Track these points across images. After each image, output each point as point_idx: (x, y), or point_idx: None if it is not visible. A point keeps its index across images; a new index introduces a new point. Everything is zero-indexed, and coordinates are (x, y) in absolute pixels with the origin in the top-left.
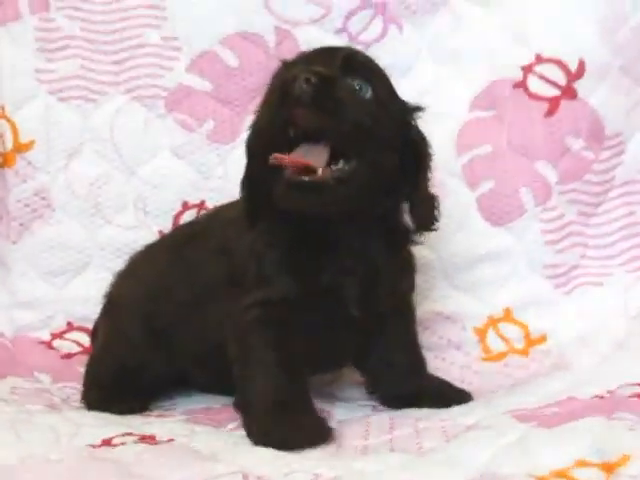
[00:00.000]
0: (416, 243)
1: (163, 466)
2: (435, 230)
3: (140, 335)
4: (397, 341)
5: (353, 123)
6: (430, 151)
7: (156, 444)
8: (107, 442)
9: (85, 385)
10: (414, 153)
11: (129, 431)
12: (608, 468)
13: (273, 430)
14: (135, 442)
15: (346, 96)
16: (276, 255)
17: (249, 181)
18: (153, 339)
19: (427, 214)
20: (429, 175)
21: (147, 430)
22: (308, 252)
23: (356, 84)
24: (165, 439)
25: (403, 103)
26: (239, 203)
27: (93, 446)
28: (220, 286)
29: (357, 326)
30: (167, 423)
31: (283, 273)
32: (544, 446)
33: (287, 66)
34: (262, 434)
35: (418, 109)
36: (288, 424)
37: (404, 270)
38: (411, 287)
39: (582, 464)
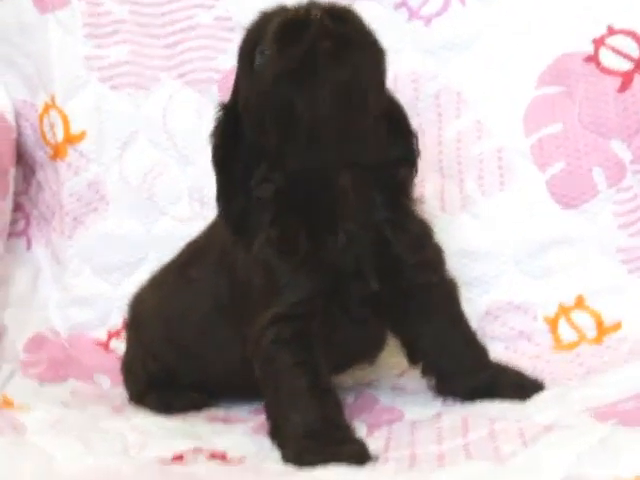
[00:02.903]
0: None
1: None
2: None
3: (163, 350)
4: (451, 329)
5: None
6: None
7: (228, 462)
8: (178, 458)
9: (130, 391)
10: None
11: (199, 446)
12: None
13: (306, 462)
14: (207, 460)
15: (367, 28)
16: (285, 263)
17: (233, 212)
18: (176, 354)
19: (410, 146)
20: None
21: (217, 443)
22: (316, 249)
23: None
24: (237, 457)
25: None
26: None
27: (164, 460)
28: (226, 303)
29: (383, 306)
30: (235, 435)
31: (295, 279)
32: (627, 448)
33: (268, 15)
34: (297, 465)
35: None
36: (321, 455)
37: (419, 238)
38: (439, 261)
39: None
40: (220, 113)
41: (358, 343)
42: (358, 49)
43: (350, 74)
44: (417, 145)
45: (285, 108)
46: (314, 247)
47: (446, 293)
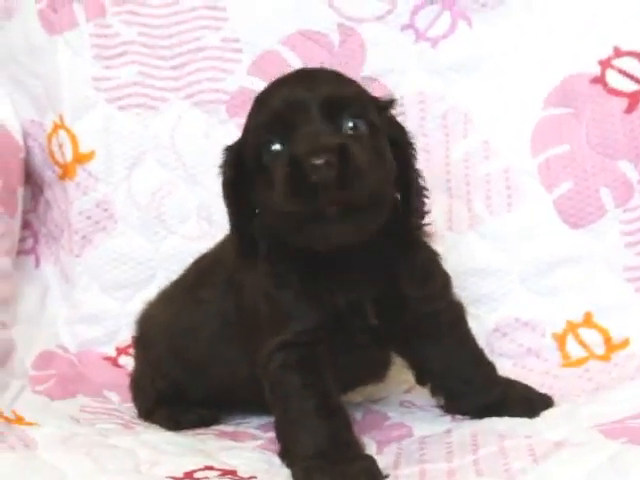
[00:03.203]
0: (425, 235)
1: None
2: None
3: (171, 367)
4: (458, 350)
5: (374, 180)
6: (412, 142)
7: None
8: (189, 475)
9: (139, 408)
10: (397, 146)
11: (209, 464)
12: None
13: None
14: (218, 477)
15: (362, 160)
16: (289, 293)
17: (239, 232)
18: (184, 371)
19: (420, 207)
20: (415, 164)
21: (227, 461)
22: (320, 281)
23: (350, 123)
24: (247, 477)
25: (378, 103)
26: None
27: (174, 478)
28: (235, 323)
29: (385, 337)
30: (245, 451)
31: (300, 309)
32: (636, 466)
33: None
34: None
35: (393, 102)
36: (331, 473)
37: (423, 267)
38: (444, 286)
39: None
40: (226, 152)
41: (363, 365)
42: (362, 205)
43: (355, 227)
44: (423, 197)
45: (292, 231)
46: (310, 283)
47: (452, 316)
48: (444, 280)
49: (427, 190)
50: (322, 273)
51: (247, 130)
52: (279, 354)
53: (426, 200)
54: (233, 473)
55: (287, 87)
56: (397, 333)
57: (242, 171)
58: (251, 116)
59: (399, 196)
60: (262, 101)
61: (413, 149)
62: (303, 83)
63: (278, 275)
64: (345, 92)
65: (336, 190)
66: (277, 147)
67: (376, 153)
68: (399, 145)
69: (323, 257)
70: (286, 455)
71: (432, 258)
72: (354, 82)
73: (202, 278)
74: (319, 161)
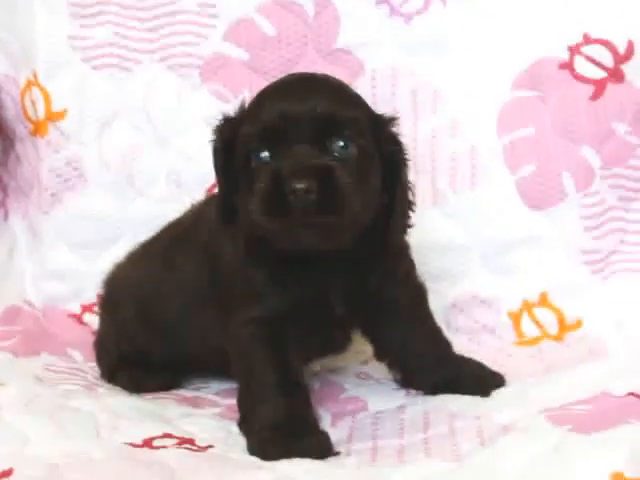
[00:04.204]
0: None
1: (208, 473)
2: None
3: (138, 330)
4: (417, 329)
5: (355, 204)
6: (407, 157)
7: (197, 450)
8: (148, 443)
9: (102, 369)
10: (392, 161)
11: (168, 431)
12: None
13: (270, 454)
14: (176, 445)
15: (344, 184)
16: (262, 275)
17: (225, 203)
18: (151, 335)
19: (402, 223)
20: (407, 180)
21: (186, 429)
22: (293, 267)
23: (340, 144)
24: (204, 445)
25: (378, 118)
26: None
27: (134, 445)
28: (208, 292)
29: (350, 321)
30: (204, 418)
31: (271, 290)
32: (580, 456)
33: (250, 137)
34: (260, 457)
35: (393, 119)
36: (284, 447)
37: (394, 264)
38: (407, 273)
39: (619, 478)
40: (222, 123)
41: (326, 341)
42: (337, 228)
43: (326, 243)
44: (409, 211)
45: (264, 235)
46: (281, 269)
47: (413, 298)
48: (408, 267)
49: (414, 205)
50: (294, 262)
51: (244, 114)
52: (248, 327)
53: (411, 214)
54: (191, 442)
55: (284, 98)
56: (360, 316)
57: (232, 149)
58: (250, 112)
59: (384, 206)
60: (260, 105)
61: (406, 165)
62: (301, 96)
63: (253, 254)
64: (340, 113)
65: (314, 214)
66: (265, 155)
67: (361, 177)
68: (393, 160)
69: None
70: (244, 425)
71: (400, 249)
72: (354, 98)
73: (177, 244)
74: (300, 185)
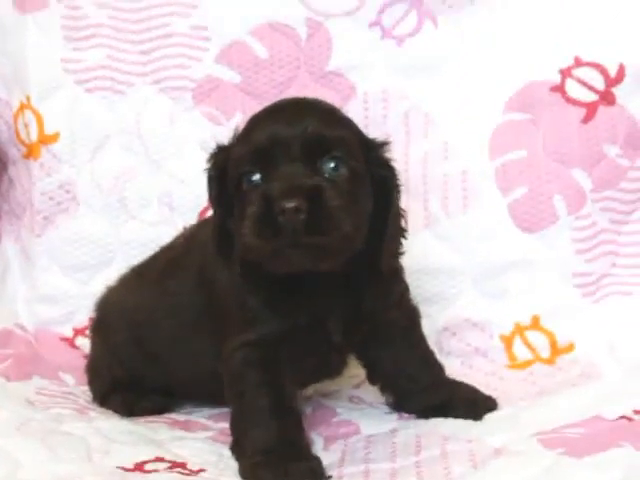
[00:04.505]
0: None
1: None
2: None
3: (130, 355)
4: (410, 352)
5: (345, 225)
6: (398, 183)
7: (189, 474)
8: (140, 467)
9: (95, 392)
10: (383, 186)
11: (160, 455)
12: None
13: (262, 478)
14: (167, 469)
15: (334, 204)
16: (257, 299)
17: (221, 231)
18: (143, 360)
19: (394, 248)
20: (399, 207)
21: (177, 452)
22: (288, 292)
23: (331, 165)
24: (196, 469)
25: (369, 142)
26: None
27: (125, 469)
28: (203, 317)
29: (345, 347)
30: (196, 442)
31: (266, 315)
32: (570, 479)
33: (242, 161)
34: None
35: (385, 144)
36: (276, 471)
37: (388, 287)
38: (401, 295)
39: None
40: (216, 151)
41: (321, 366)
42: (328, 249)
43: (317, 265)
44: (401, 238)
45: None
46: (277, 294)
47: (406, 322)
48: (402, 290)
49: (406, 232)
50: (290, 287)
51: (237, 140)
52: (241, 351)
53: (403, 241)
54: (183, 465)
55: (274, 121)
56: (355, 341)
57: (227, 177)
58: (242, 135)
59: (376, 231)
60: (250, 129)
61: (398, 191)
62: (291, 118)
63: (248, 279)
64: (330, 133)
65: (304, 234)
66: (257, 178)
67: (352, 198)
68: (385, 185)
69: (292, 274)
70: (236, 449)
71: (394, 272)
72: (344, 120)
73: (171, 269)
74: (289, 205)
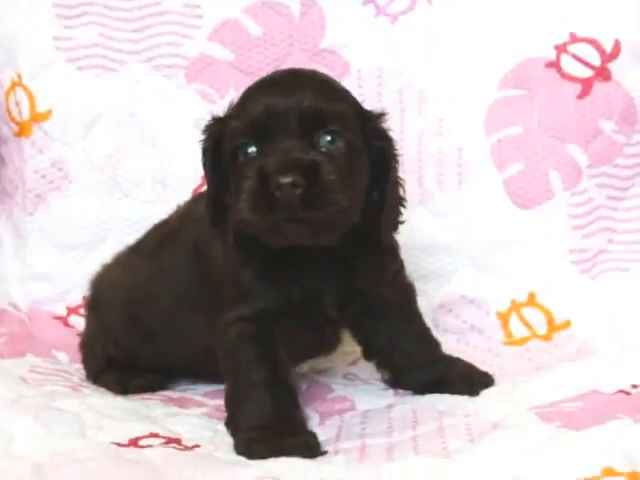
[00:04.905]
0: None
1: (194, 470)
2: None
3: (125, 333)
4: (405, 328)
5: (341, 200)
6: (396, 153)
7: (183, 449)
8: (134, 442)
9: (88, 370)
10: (381, 157)
11: (155, 431)
12: (637, 477)
13: (257, 452)
14: (162, 445)
15: (331, 179)
16: (252, 273)
17: (215, 204)
18: (138, 338)
19: (393, 219)
20: (397, 176)
21: (172, 428)
22: (283, 266)
23: (327, 138)
24: (190, 445)
25: (366, 114)
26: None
27: (119, 444)
28: (197, 292)
29: (339, 321)
30: (190, 418)
31: (260, 289)
32: (570, 452)
33: (238, 131)
34: (247, 456)
35: (382, 115)
36: (271, 446)
37: (383, 262)
38: (396, 272)
39: (610, 473)
40: (211, 122)
41: (316, 341)
42: (324, 223)
43: (313, 239)
44: (399, 208)
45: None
46: (271, 267)
47: (401, 298)
48: (398, 266)
49: (405, 201)
50: (284, 260)
51: (232, 111)
52: (236, 325)
53: (402, 210)
54: (177, 441)
55: (271, 93)
56: (349, 316)
57: (222, 149)
58: (237, 107)
59: (373, 203)
60: (246, 100)
61: (396, 161)
62: (287, 91)
63: (243, 252)
64: (326, 107)
65: (300, 209)
66: (253, 150)
67: (349, 172)
68: (383, 156)
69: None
70: (231, 424)
71: (389, 248)
72: (341, 92)
73: (165, 245)
74: (285, 180)
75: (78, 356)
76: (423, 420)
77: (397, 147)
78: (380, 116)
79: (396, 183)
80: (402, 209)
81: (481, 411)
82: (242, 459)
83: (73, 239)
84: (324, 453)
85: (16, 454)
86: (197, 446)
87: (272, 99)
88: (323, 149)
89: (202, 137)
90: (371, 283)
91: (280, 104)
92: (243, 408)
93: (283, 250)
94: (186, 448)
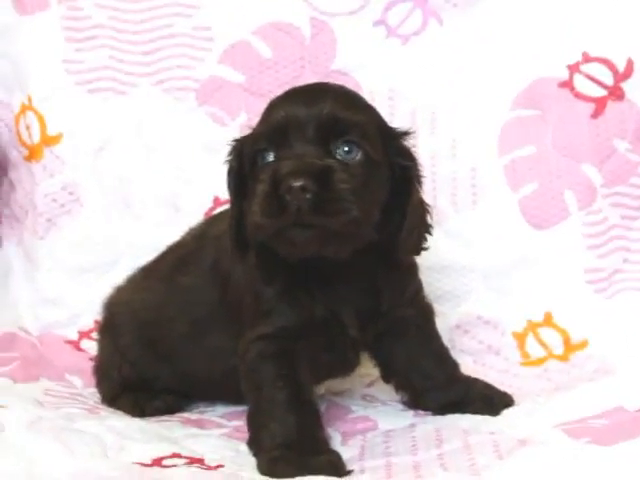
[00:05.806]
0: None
1: None
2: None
3: (141, 355)
4: (424, 349)
5: (352, 209)
6: (420, 174)
7: (207, 469)
8: (157, 462)
9: (103, 394)
10: (404, 176)
11: (177, 452)
12: None
13: (281, 472)
14: (186, 464)
15: (343, 187)
16: (273, 291)
17: (238, 224)
18: (154, 360)
19: (415, 242)
20: (421, 199)
21: (194, 449)
22: (305, 284)
23: (344, 148)
24: (214, 465)
25: (390, 131)
26: (222, 217)
27: (143, 464)
28: (218, 312)
29: (360, 343)
30: (211, 438)
31: (282, 307)
32: (601, 467)
33: (257, 143)
34: (271, 475)
35: (407, 133)
36: (295, 465)
37: (404, 282)
38: (416, 292)
39: None
40: (237, 143)
41: (336, 361)
42: (334, 230)
43: (323, 248)
44: (425, 233)
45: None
46: (293, 286)
47: (420, 319)
48: (417, 287)
49: (432, 228)
50: (306, 279)
51: (256, 125)
52: (258, 344)
53: (428, 237)
54: (200, 461)
55: (294, 102)
56: (370, 336)
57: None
58: (262, 117)
59: (395, 223)
60: (269, 110)
61: (419, 181)
62: (309, 100)
63: (265, 271)
64: (345, 116)
65: (310, 214)
66: (271, 157)
67: (364, 184)
68: (406, 175)
69: (309, 264)
70: (254, 444)
71: (409, 269)
72: (364, 105)
73: (183, 265)
74: (296, 183)
75: (91, 380)
76: (447, 438)
77: (421, 167)
78: (405, 134)
79: (420, 205)
80: (427, 235)
81: (506, 429)
82: (267, 479)
83: (84, 263)
84: (350, 472)
85: (39, 475)
86: (221, 466)
87: (294, 107)
88: (339, 158)
89: (228, 157)
90: (393, 303)
91: (300, 112)
92: (266, 427)
93: (305, 268)
94: (210, 468)
